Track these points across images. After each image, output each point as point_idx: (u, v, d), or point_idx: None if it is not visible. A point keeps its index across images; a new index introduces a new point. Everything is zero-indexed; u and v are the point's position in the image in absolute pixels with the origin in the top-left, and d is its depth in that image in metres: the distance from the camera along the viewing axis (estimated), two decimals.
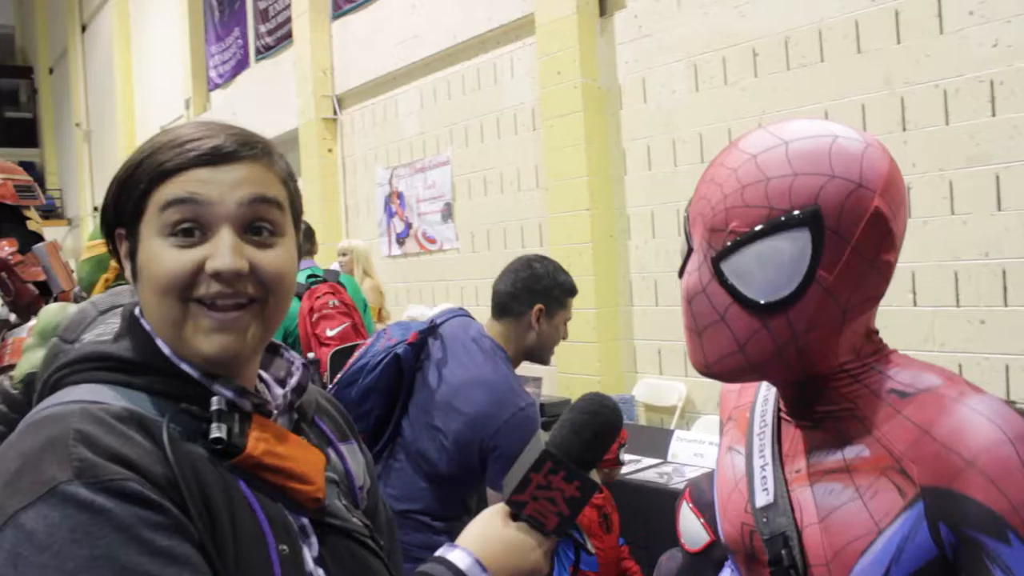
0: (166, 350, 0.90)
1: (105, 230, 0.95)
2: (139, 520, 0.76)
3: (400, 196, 6.86)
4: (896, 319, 3.57)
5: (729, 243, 0.89)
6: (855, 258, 0.88)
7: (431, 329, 2.52)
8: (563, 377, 5.04)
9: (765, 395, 1.06)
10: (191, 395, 0.89)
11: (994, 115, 3.30)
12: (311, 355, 3.67)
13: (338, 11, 7.41)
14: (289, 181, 0.96)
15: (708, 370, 0.93)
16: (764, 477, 0.99)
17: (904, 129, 3.51)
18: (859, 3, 3.63)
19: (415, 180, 6.66)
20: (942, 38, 3.39)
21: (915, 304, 3.52)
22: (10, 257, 3.36)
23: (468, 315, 2.60)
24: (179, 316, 0.88)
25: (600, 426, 0.92)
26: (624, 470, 3.57)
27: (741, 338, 0.90)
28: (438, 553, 0.89)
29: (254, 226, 0.90)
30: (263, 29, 8.73)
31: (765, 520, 0.96)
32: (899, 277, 3.60)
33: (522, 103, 5.54)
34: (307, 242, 4.44)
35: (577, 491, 0.89)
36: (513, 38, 5.60)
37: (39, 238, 3.48)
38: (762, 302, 0.88)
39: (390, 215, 7.00)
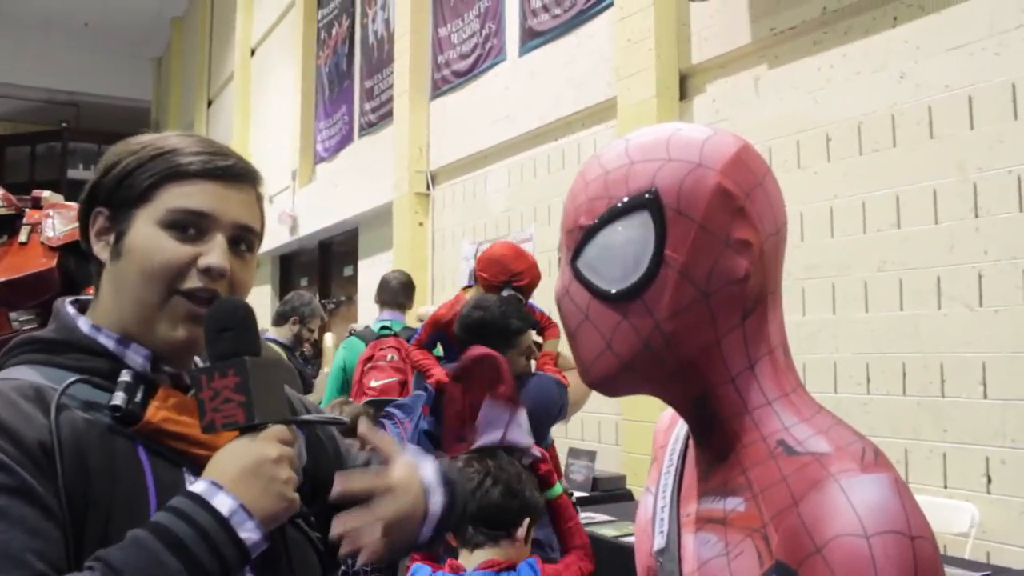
0: (85, 328, 1.01)
1: (87, 205, 1.05)
2: None
3: None
4: (964, 411, 3.42)
5: (579, 239, 0.89)
6: (704, 236, 0.84)
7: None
8: (627, 456, 4.97)
9: (677, 433, 1.03)
10: (106, 369, 0.98)
11: None
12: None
13: (437, 91, 7.72)
14: (261, 205, 1.10)
15: (589, 377, 0.90)
16: (662, 520, 0.95)
17: (976, 216, 3.43)
18: (932, 89, 3.60)
19: None
20: (1016, 123, 3.31)
21: (985, 396, 3.37)
22: None
23: None
24: (159, 301, 0.99)
25: (218, 322, 0.97)
26: None
27: (606, 334, 0.87)
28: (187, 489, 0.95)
29: (237, 241, 1.03)
30: (367, 107, 9.14)
31: (660, 564, 0.92)
32: (968, 367, 3.41)
33: None
34: (403, 296, 4.59)
35: (234, 376, 0.95)
36: (597, 120, 5.72)
37: None
38: (613, 291, 0.86)
39: None
